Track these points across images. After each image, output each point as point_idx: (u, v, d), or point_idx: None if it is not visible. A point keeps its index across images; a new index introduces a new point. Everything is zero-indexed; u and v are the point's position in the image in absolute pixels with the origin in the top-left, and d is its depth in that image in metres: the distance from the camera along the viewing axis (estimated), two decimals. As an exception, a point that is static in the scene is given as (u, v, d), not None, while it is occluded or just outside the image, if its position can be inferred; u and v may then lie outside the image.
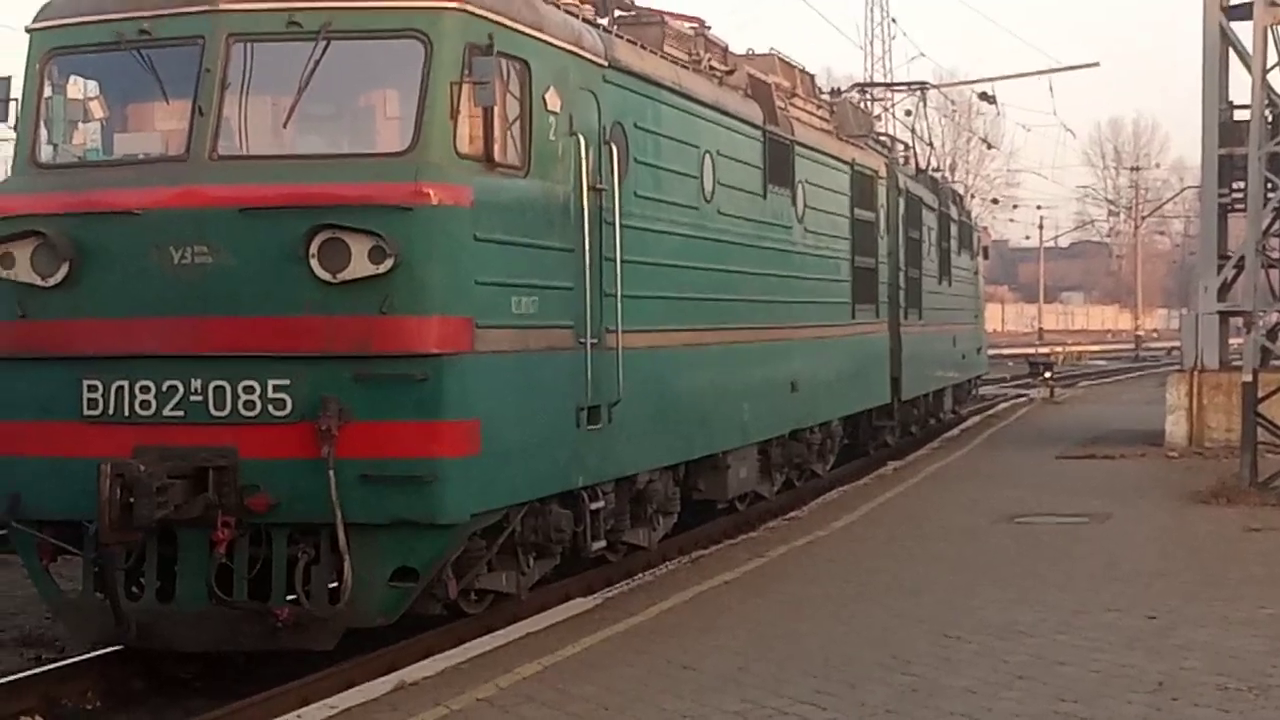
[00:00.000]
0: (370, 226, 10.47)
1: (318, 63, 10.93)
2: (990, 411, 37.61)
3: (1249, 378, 19.90)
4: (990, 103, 65.35)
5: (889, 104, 46.60)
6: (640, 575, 14.31)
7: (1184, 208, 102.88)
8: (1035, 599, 12.59)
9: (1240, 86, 25.54)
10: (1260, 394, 19.91)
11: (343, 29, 10.96)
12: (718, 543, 16.78)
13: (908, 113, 44.26)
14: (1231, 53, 25.75)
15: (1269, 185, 22.02)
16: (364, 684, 10.15)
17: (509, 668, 10.30)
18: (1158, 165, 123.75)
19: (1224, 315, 25.71)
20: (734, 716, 9.04)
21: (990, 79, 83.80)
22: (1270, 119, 23.40)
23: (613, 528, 13.84)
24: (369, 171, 10.80)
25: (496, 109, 11.22)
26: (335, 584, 10.83)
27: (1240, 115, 25.61)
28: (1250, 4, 23.87)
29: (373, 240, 10.47)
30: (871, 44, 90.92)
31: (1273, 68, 23.43)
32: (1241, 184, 25.10)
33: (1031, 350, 70.71)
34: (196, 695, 11.32)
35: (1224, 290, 25.56)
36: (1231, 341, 27.39)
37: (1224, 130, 25.78)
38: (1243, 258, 23.11)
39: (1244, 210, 23.65)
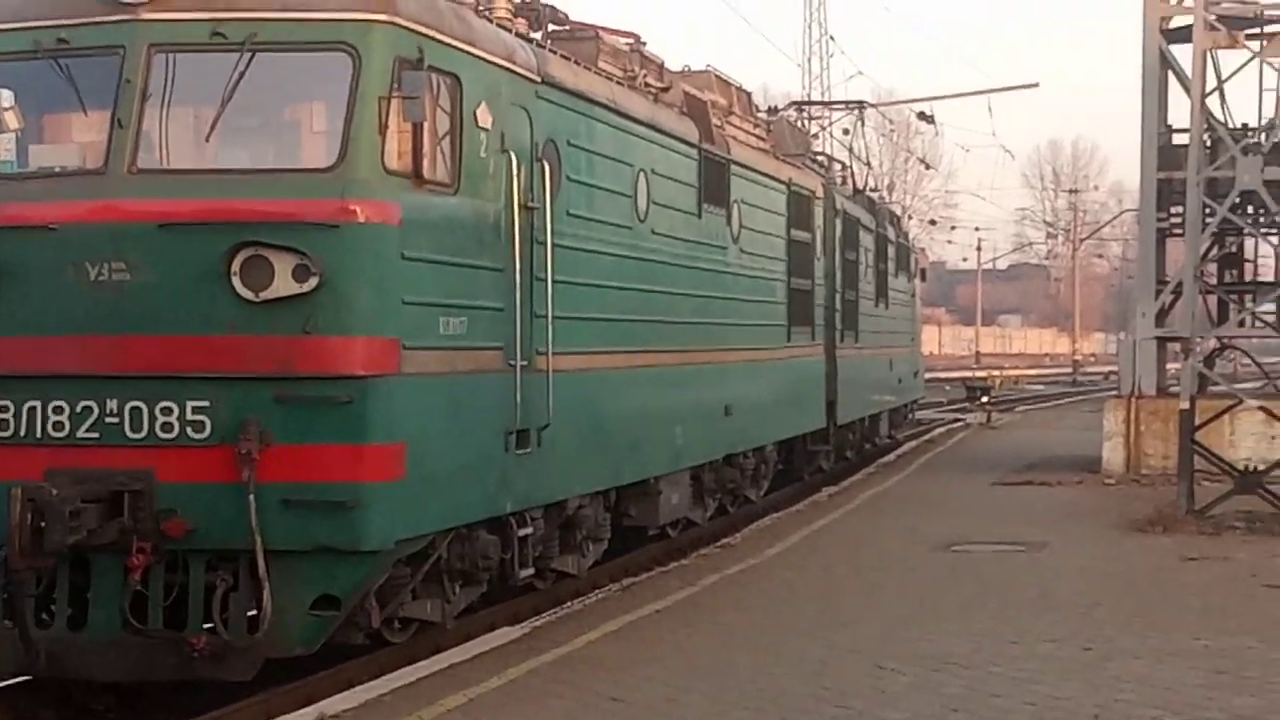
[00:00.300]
0: (294, 244, 10.21)
1: (242, 75, 10.61)
2: (926, 436, 37.58)
3: (1186, 405, 19.88)
4: (929, 122, 65.74)
5: (826, 123, 46.60)
6: (569, 604, 14.07)
7: (1122, 230, 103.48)
8: (971, 629, 12.50)
9: (1180, 110, 25.79)
10: (1197, 421, 19.88)
11: (268, 40, 10.64)
12: (648, 570, 16.57)
13: (845, 131, 44.31)
14: (1171, 76, 25.90)
15: (1207, 210, 22.01)
16: (282, 716, 9.93)
17: (433, 699, 10.09)
18: (1096, 188, 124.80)
19: (1162, 341, 25.76)
20: (663, 750, 8.86)
21: (929, 98, 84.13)
22: (1209, 144, 23.47)
23: (541, 554, 13.58)
24: (294, 187, 10.52)
25: (426, 125, 10.93)
26: (254, 612, 10.49)
27: (1179, 139, 25.58)
28: (1190, 28, 23.92)
29: (297, 258, 10.20)
30: (809, 62, 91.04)
31: (1211, 92, 23.57)
32: (1180, 208, 25.17)
33: (969, 374, 70.84)
34: None
35: (1162, 315, 25.61)
36: (1169, 367, 27.50)
37: (1163, 154, 25.87)
38: (1180, 283, 23.15)
39: (1182, 235, 23.74)
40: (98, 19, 10.77)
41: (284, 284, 10.22)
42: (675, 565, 16.56)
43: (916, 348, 39.43)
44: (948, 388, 59.87)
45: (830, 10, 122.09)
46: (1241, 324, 25.55)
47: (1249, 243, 28.33)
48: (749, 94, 23.08)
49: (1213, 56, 24.17)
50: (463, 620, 12.74)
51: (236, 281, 10.25)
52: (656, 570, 16.35)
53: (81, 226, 10.42)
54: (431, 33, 11.17)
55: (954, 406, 50.16)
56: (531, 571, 13.20)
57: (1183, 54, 25.03)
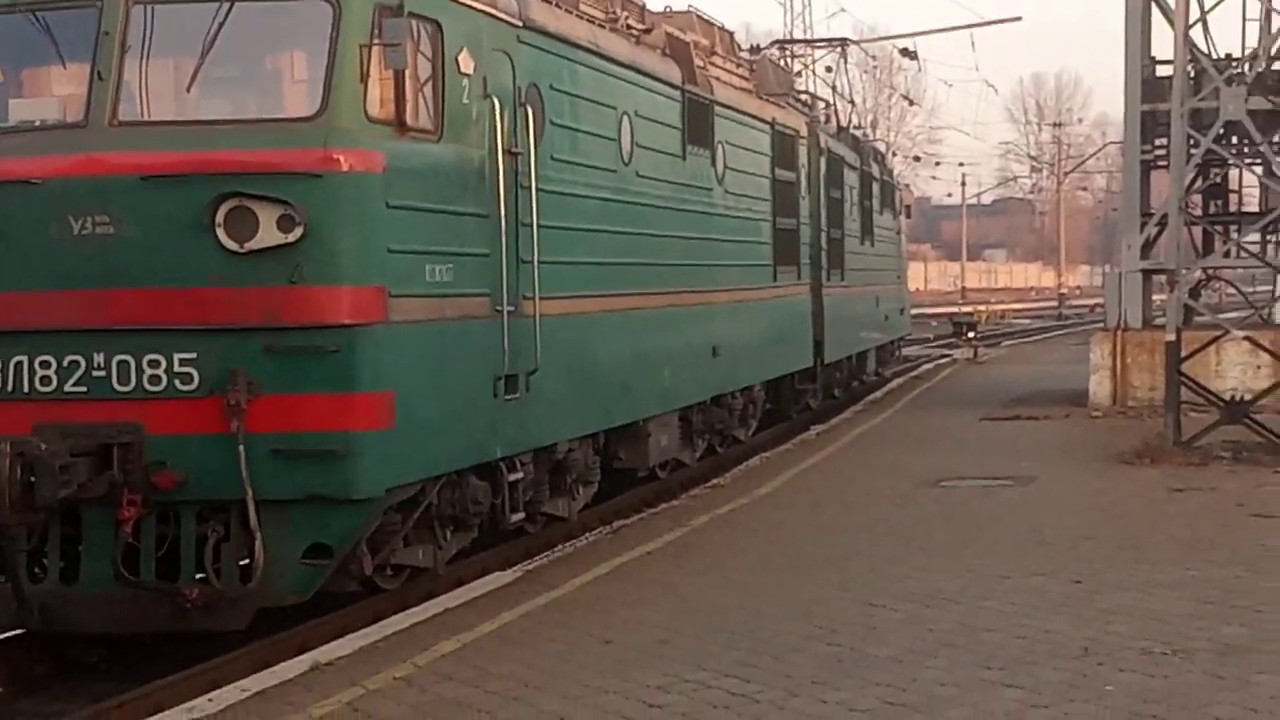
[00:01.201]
0: (278, 194, 10.20)
1: (222, 24, 10.58)
2: (914, 373, 37.36)
3: (1173, 336, 19.87)
4: (911, 58, 65.63)
5: (809, 61, 46.44)
6: (560, 547, 14.06)
7: (1107, 163, 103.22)
8: (961, 565, 12.50)
9: (1163, 42, 25.51)
10: (1184, 353, 19.87)
11: None
12: (639, 512, 16.55)
13: (828, 69, 44.20)
14: (1154, 8, 25.71)
15: (1191, 142, 21.80)
16: (277, 665, 9.91)
17: (426, 645, 10.11)
18: (1080, 120, 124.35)
19: (1147, 273, 25.70)
20: (657, 691, 8.89)
21: (911, 34, 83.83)
22: (1193, 75, 23.22)
23: (531, 499, 13.60)
24: (276, 137, 10.49)
25: (408, 72, 10.89)
26: (246, 562, 10.52)
27: (1163, 71, 25.47)
28: None
29: (281, 208, 10.19)
30: (791, 0, 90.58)
31: (1195, 23, 23.15)
32: (1164, 140, 25.06)
33: (955, 309, 70.85)
34: (103, 679, 11.01)
35: (1147, 248, 25.52)
36: (1155, 299, 27.47)
37: (1147, 86, 25.74)
38: (1165, 215, 23.00)
39: (1167, 167, 23.59)
40: (74, -28, 10.72)
41: (268, 234, 10.21)
42: (665, 507, 16.53)
43: (903, 285, 39.42)
44: (934, 324, 59.78)
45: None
46: (1227, 255, 25.49)
47: (1233, 173, 28.29)
48: (731, 34, 23.00)
49: None
50: (455, 565, 12.77)
51: (221, 233, 10.23)
52: (647, 512, 16.33)
53: (63, 180, 10.39)
54: (411, -22, 11.10)
55: (940, 343, 50.11)
56: (522, 516, 13.21)
57: None
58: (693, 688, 8.94)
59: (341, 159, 10.40)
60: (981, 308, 73.76)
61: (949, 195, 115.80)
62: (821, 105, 32.41)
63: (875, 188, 33.11)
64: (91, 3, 10.67)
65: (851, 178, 29.73)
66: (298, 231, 10.21)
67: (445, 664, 9.69)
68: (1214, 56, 24.45)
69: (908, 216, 41.61)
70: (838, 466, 19.49)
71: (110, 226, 10.32)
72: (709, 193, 18.72)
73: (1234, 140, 25.63)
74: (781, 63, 33.58)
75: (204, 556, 10.48)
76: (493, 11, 12.41)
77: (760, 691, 8.83)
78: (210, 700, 9.11)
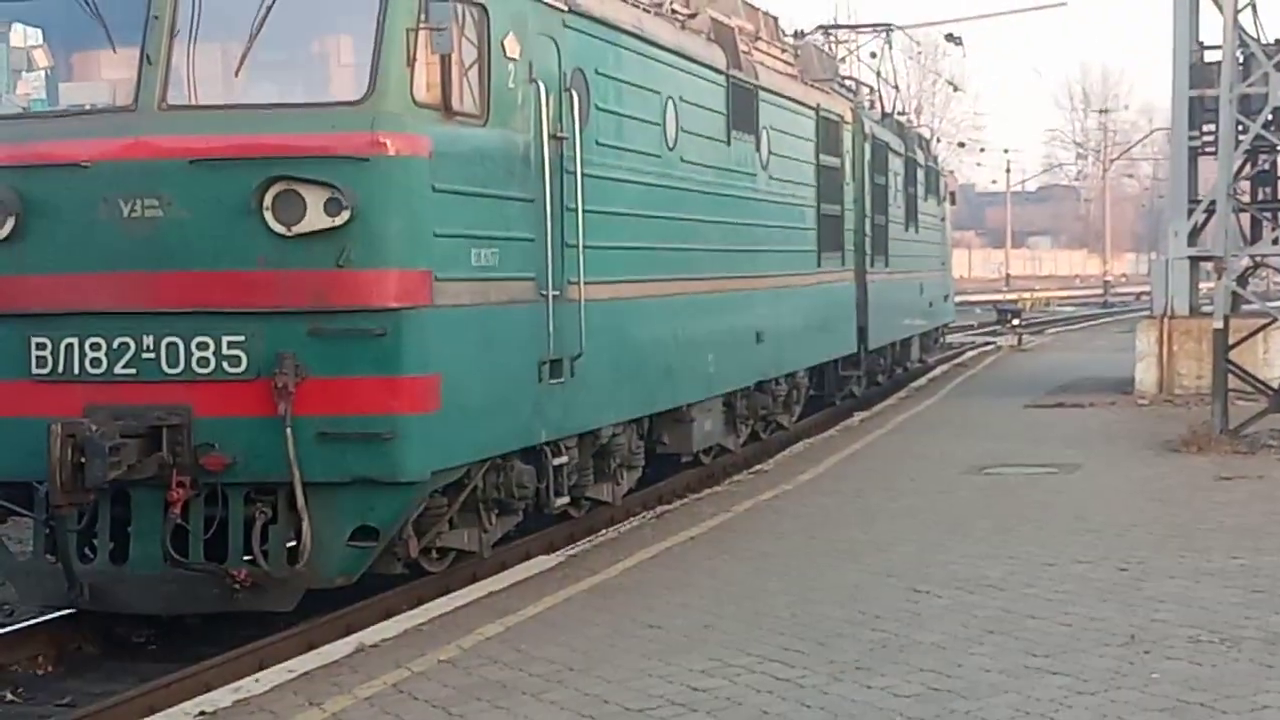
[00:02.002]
0: (326, 178, 10.25)
1: (269, 8, 10.61)
2: (957, 360, 37.22)
3: (1220, 324, 19.76)
4: (957, 44, 65.39)
5: (853, 46, 46.30)
6: (603, 532, 14.09)
7: (1153, 150, 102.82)
8: (1005, 552, 12.48)
9: (1211, 27, 25.30)
10: (1231, 340, 19.77)
11: None
12: (682, 497, 16.55)
13: (872, 54, 44.06)
14: None
15: (1240, 128, 21.63)
16: (322, 646, 10.00)
17: (470, 628, 10.15)
18: (1126, 107, 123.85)
19: (1194, 260, 25.53)
20: (701, 675, 8.90)
21: (957, 19, 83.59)
22: (1241, 60, 23.03)
23: (576, 483, 13.65)
24: (324, 121, 10.53)
25: (454, 56, 10.93)
26: (292, 544, 10.61)
27: (1211, 56, 25.22)
28: None
29: (328, 192, 10.24)
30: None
31: (1244, 7, 22.94)
32: (1212, 126, 24.69)
33: (999, 297, 70.72)
34: (151, 658, 11.14)
35: (1194, 235, 25.33)
36: (1202, 287, 27.22)
37: (1194, 72, 25.53)
38: (1213, 202, 22.88)
39: (1214, 153, 23.38)
40: (124, -45, 10.79)
41: (316, 218, 10.26)
42: (708, 492, 16.50)
43: (947, 271, 39.35)
44: (978, 310, 59.85)
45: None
46: (1275, 242, 25.20)
47: None
48: (775, 19, 22.96)
49: None
50: (499, 549, 12.81)
51: (269, 216, 10.29)
52: (690, 497, 16.30)
53: (113, 163, 10.47)
54: (458, -38, 11.14)
55: (984, 330, 49.96)
56: (567, 500, 13.26)
57: None
58: (736, 672, 8.96)
59: (388, 143, 10.44)
60: (1026, 295, 73.75)
61: (993, 182, 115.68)
62: (866, 91, 32.39)
63: (920, 174, 33.06)
64: None
65: (896, 164, 29.68)
66: (345, 215, 10.26)
67: (489, 647, 9.73)
68: (1263, 41, 24.21)
69: (952, 203, 41.53)
70: (881, 453, 19.47)
71: (159, 209, 10.40)
72: (753, 178, 18.71)
73: None
74: (826, 48, 33.51)
75: (252, 538, 10.57)
76: (539, -4, 12.44)
77: (804, 676, 8.84)
78: (257, 681, 9.18)
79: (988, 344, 43.22)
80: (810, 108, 22.04)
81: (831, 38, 39.72)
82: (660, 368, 15.30)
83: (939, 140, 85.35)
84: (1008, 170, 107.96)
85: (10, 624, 11.76)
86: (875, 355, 27.78)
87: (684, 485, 17.66)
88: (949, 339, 42.58)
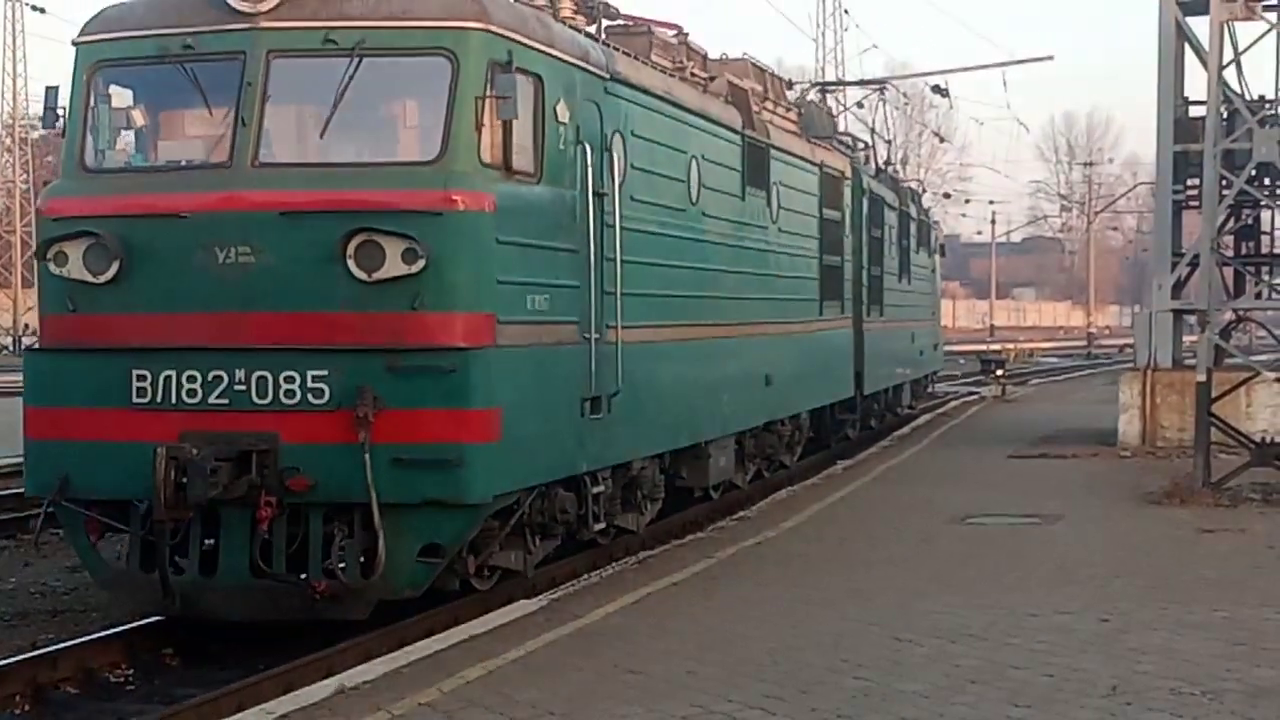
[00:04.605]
0: (403, 229, 11.39)
1: (352, 77, 11.81)
2: (941, 409, 37.42)
3: (1203, 377, 19.75)
4: (943, 95, 66.28)
5: (840, 95, 47.24)
6: (586, 577, 14.13)
7: (1137, 203, 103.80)
8: (988, 602, 12.49)
9: (1196, 82, 25.41)
10: (1214, 394, 19.79)
11: (375, 47, 11.85)
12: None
13: (859, 104, 45.16)
14: (1187, 48, 25.52)
15: (1224, 182, 21.92)
16: (302, 688, 10.12)
17: (451, 671, 10.21)
18: (1111, 160, 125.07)
19: (1178, 313, 25.61)
20: (682, 721, 9.02)
21: (943, 71, 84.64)
22: (1226, 115, 23.29)
23: (606, 511, 14.68)
24: (401, 179, 11.70)
25: (515, 121, 12.10)
26: (361, 560, 11.65)
27: (1196, 111, 25.29)
28: None
29: (406, 242, 11.38)
30: (824, 35, 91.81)
31: (1229, 64, 23.34)
32: (1196, 180, 24.71)
33: (983, 347, 71.35)
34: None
35: (1178, 288, 25.43)
36: (1185, 340, 27.15)
37: (1179, 126, 25.58)
38: (1197, 256, 22.95)
39: (1198, 207, 23.34)
40: (221, 27, 11.98)
41: (394, 265, 11.41)
42: (691, 538, 16.51)
43: (937, 321, 40.45)
44: (962, 361, 59.41)
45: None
46: (1258, 296, 25.53)
47: (1265, 215, 27.97)
48: (781, 80, 24.17)
49: (1229, 28, 23.63)
50: (480, 594, 13.23)
51: (351, 263, 11.43)
52: (672, 543, 16.25)
53: (210, 215, 11.64)
54: (518, 37, 12.36)
55: (969, 380, 50.10)
56: (603, 525, 14.37)
57: (1199, 25, 24.55)
58: (718, 719, 9.05)
59: (459, 199, 11.62)
60: (1010, 346, 74.34)
61: (978, 233, 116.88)
62: (861, 146, 33.59)
63: (912, 227, 34.24)
64: (235, 55, 11.92)
65: (891, 217, 30.86)
66: (420, 263, 11.40)
67: (470, 690, 9.75)
68: (1247, 98, 24.61)
69: (942, 255, 42.68)
70: (864, 501, 19.46)
71: (251, 256, 11.55)
72: (765, 231, 19.89)
73: (1266, 181, 25.30)
74: (823, 104, 34.64)
75: (331, 553, 11.65)
76: (585, 65, 13.65)
77: (786, 724, 8.87)
78: (235, 723, 9.52)
79: (971, 394, 43.42)
80: (814, 164, 23.22)
81: (829, 95, 40.92)
82: (683, 406, 16.42)
83: (925, 190, 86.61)
84: (993, 221, 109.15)
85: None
86: (870, 400, 28.84)
87: (703, 515, 18.62)
88: (932, 389, 43.37)
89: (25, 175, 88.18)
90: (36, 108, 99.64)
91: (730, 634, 11.34)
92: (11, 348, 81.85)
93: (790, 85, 31.88)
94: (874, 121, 39.89)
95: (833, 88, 44.73)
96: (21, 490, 19.46)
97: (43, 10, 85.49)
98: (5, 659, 11.57)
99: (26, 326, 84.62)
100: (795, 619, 11.94)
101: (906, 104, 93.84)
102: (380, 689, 9.79)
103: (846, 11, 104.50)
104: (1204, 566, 14.26)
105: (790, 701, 9.36)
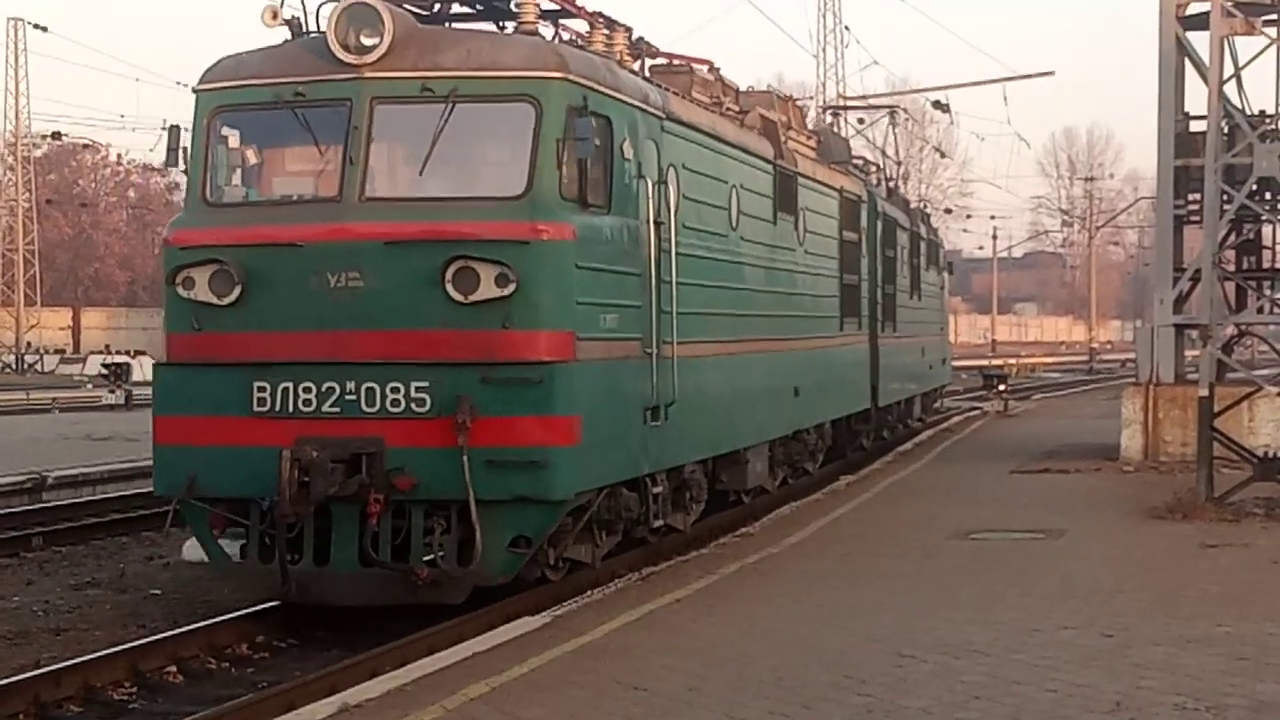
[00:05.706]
0: (496, 257, 12.88)
1: (446, 121, 13.32)
2: (944, 425, 37.41)
3: (1205, 392, 19.88)
4: (944, 111, 67.47)
5: (841, 113, 48.33)
6: (589, 593, 14.18)
7: (1138, 218, 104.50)
8: (991, 617, 12.55)
9: (1196, 97, 25.35)
10: (1216, 408, 19.86)
11: (467, 94, 13.36)
12: (669, 559, 16.48)
13: (860, 120, 46.58)
14: (1188, 63, 25.59)
15: (1225, 197, 22.05)
16: (305, 707, 10.18)
17: (455, 689, 10.25)
18: (1111, 175, 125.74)
19: (1179, 328, 25.70)
20: (685, 739, 9.19)
21: (944, 87, 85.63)
22: (1226, 130, 23.42)
23: (660, 510, 16.07)
24: (492, 212, 13.17)
25: (589, 158, 13.56)
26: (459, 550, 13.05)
27: (1197, 126, 25.31)
28: (1207, 14, 23.36)
29: (498, 268, 12.85)
30: (824, 52, 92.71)
31: (1229, 79, 23.59)
32: (1197, 195, 24.67)
33: (985, 362, 71.77)
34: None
35: (1179, 303, 25.59)
36: (1187, 354, 27.22)
37: (1180, 141, 25.58)
38: (1198, 270, 22.89)
39: (1200, 222, 23.32)
40: (329, 77, 13.50)
41: (488, 289, 12.89)
42: (694, 555, 16.50)
43: (945, 336, 41.55)
44: (964, 376, 58.87)
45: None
46: (1260, 310, 25.81)
47: (1266, 230, 27.98)
48: (802, 110, 25.64)
49: (1229, 43, 23.80)
50: (482, 612, 13.59)
51: (450, 287, 12.90)
52: (676, 560, 16.28)
53: (323, 244, 13.14)
54: (592, 85, 13.87)
55: (971, 395, 49.88)
56: (661, 523, 15.82)
57: (1199, 41, 24.59)
58: None
59: (545, 230, 13.12)
60: (1012, 361, 74.74)
61: (980, 248, 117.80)
62: (874, 169, 34.98)
63: (922, 246, 35.57)
64: (342, 102, 13.41)
65: (903, 238, 32.22)
66: (510, 287, 12.88)
67: (474, 708, 9.80)
68: (1248, 113, 24.64)
69: (950, 273, 43.98)
70: (867, 517, 19.50)
71: (360, 281, 13.04)
72: (793, 253, 21.35)
73: (1267, 196, 25.14)
74: (833, 128, 36.02)
75: (432, 544, 13.06)
76: (646, 107, 15.14)
77: (789, 741, 9.05)
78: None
79: (974, 409, 43.40)
80: (834, 189, 24.67)
81: (839, 117, 42.40)
82: (726, 415, 17.87)
83: (926, 205, 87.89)
84: (994, 236, 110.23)
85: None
86: (884, 411, 30.17)
87: (741, 516, 19.90)
88: (941, 403, 44.17)
89: (28, 194, 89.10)
90: (39, 125, 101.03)
91: (733, 650, 11.42)
92: (14, 366, 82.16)
93: (804, 111, 33.43)
94: (881, 141, 41.24)
95: (839, 109, 46.14)
96: (20, 509, 21.77)
97: (45, 28, 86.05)
98: (8, 677, 11.87)
99: (29, 344, 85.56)
100: (798, 635, 12.02)
101: (908, 119, 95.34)
102: (384, 707, 9.89)
103: (847, 28, 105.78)
104: (1207, 581, 14.32)
105: (793, 717, 9.49)
